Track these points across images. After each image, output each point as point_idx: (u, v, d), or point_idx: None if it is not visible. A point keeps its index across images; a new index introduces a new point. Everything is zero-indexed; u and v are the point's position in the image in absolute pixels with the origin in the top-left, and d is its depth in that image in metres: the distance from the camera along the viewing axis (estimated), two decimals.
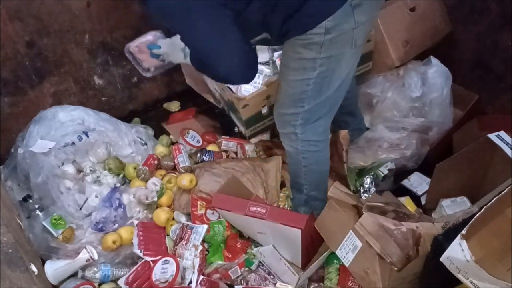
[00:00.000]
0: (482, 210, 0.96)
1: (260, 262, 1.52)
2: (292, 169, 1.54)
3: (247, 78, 1.25)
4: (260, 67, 1.67)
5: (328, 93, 1.31)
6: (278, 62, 1.68)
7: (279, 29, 1.19)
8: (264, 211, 1.38)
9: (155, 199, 1.61)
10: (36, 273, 1.25)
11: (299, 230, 1.32)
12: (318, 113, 1.36)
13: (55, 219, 1.50)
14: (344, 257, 1.26)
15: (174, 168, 1.77)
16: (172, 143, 1.92)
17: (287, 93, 1.35)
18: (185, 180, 1.64)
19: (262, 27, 1.22)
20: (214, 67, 1.18)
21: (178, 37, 1.35)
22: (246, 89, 1.69)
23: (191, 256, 1.47)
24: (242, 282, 1.48)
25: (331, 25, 1.15)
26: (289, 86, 1.33)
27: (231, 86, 1.69)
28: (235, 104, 1.66)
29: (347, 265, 1.26)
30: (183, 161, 1.74)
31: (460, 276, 1.01)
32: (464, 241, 0.97)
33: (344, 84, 1.35)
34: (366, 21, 1.22)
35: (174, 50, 1.38)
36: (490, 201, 0.97)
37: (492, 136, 1.43)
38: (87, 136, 1.66)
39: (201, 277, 1.44)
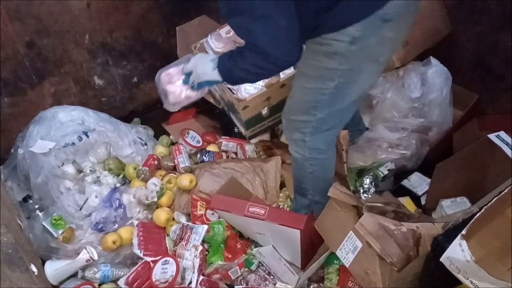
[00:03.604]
0: (482, 210, 0.96)
1: (260, 262, 1.52)
2: (297, 174, 1.52)
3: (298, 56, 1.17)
4: None
5: (342, 105, 1.29)
6: None
7: (310, 22, 1.14)
8: (263, 211, 1.38)
9: (155, 199, 1.61)
10: (36, 273, 1.25)
11: (298, 231, 1.33)
12: (329, 123, 1.34)
13: (55, 219, 1.50)
14: (344, 257, 1.26)
15: (174, 169, 1.77)
16: (172, 144, 1.92)
17: (301, 100, 1.32)
18: (185, 180, 1.64)
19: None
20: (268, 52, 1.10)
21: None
22: (247, 90, 1.69)
23: (191, 257, 1.47)
24: (242, 283, 1.48)
25: (358, 35, 1.12)
26: (303, 93, 1.30)
27: (232, 87, 1.67)
28: (235, 105, 1.66)
29: (347, 266, 1.26)
30: (183, 161, 1.74)
31: (460, 276, 1.01)
32: (464, 241, 0.97)
33: (360, 98, 1.32)
34: (394, 38, 1.20)
35: (203, 61, 1.25)
36: (490, 201, 0.97)
37: (492, 136, 1.43)
38: (87, 136, 1.66)
39: (201, 277, 1.44)
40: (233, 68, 1.20)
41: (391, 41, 1.20)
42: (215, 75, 1.23)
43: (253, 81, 1.41)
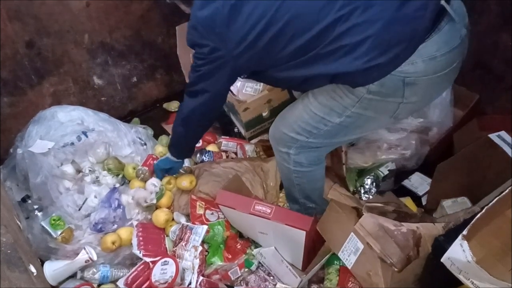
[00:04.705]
0: (483, 211, 0.96)
1: (259, 262, 1.52)
2: (285, 183, 1.52)
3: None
4: None
5: (339, 140, 1.28)
6: None
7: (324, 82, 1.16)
8: (269, 210, 1.37)
9: (154, 201, 1.60)
10: (35, 274, 1.24)
11: (304, 232, 1.32)
12: (318, 148, 1.32)
13: (54, 220, 1.49)
14: (346, 259, 1.25)
15: None
16: None
17: (300, 119, 1.27)
18: (185, 181, 1.64)
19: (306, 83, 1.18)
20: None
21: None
22: (248, 92, 1.68)
23: (190, 257, 1.47)
24: (242, 283, 1.48)
25: (374, 89, 1.09)
26: (307, 114, 1.26)
27: (232, 88, 1.67)
28: (236, 106, 1.65)
29: (349, 267, 1.25)
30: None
31: (461, 277, 1.01)
32: (465, 241, 0.97)
33: (357, 139, 1.31)
34: (418, 101, 1.15)
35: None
36: (491, 201, 0.96)
37: (493, 136, 1.43)
38: (86, 136, 1.65)
39: (201, 278, 1.43)
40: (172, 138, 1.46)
41: (415, 103, 1.15)
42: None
43: (192, 131, 1.44)
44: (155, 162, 1.67)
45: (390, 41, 1.02)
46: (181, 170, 1.72)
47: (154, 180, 1.64)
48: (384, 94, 1.10)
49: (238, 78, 1.27)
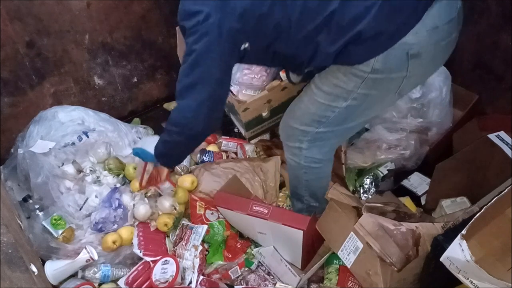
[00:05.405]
0: (482, 210, 0.96)
1: (259, 262, 1.52)
2: (292, 180, 1.51)
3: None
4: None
5: (348, 125, 1.27)
6: (281, 74, 1.62)
7: (324, 67, 1.15)
8: (266, 211, 1.38)
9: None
10: (36, 273, 1.25)
11: (301, 231, 1.32)
12: (329, 138, 1.32)
13: (55, 219, 1.50)
14: (346, 258, 1.26)
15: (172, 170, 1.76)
16: None
17: (307, 110, 1.28)
18: (187, 182, 1.63)
19: (308, 66, 1.17)
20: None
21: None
22: (247, 93, 1.68)
23: (191, 256, 1.47)
24: (242, 282, 1.48)
25: (379, 66, 1.09)
26: (312, 105, 1.26)
27: (232, 88, 1.67)
28: (236, 106, 1.65)
29: (349, 267, 1.26)
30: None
31: (460, 276, 1.01)
32: (464, 241, 0.97)
33: (367, 122, 1.31)
34: (421, 74, 1.16)
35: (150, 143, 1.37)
36: (490, 201, 0.97)
37: (492, 136, 1.44)
38: (87, 136, 1.66)
39: (201, 277, 1.44)
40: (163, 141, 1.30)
41: (418, 76, 1.16)
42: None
43: (179, 149, 1.35)
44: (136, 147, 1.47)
45: (395, 8, 1.04)
46: (179, 170, 1.72)
47: (169, 199, 1.59)
48: (388, 70, 1.11)
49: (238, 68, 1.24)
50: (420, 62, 1.11)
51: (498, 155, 1.42)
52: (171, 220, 1.56)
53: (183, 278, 1.45)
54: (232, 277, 1.49)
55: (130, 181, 1.71)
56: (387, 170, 1.72)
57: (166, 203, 1.57)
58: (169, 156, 1.37)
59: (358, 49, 1.09)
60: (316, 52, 1.12)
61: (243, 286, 1.47)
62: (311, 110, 1.27)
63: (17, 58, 1.70)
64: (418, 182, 1.73)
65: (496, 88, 1.73)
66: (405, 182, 1.75)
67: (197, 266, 1.45)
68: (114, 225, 1.55)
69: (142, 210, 1.56)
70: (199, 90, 1.12)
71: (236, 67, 1.61)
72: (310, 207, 1.51)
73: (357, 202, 1.35)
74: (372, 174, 1.71)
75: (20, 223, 1.47)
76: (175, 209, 1.57)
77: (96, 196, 1.59)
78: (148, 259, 1.49)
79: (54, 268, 1.46)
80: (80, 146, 1.64)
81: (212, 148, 1.85)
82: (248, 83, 1.65)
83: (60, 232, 1.49)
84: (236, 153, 1.86)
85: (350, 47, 1.09)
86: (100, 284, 1.51)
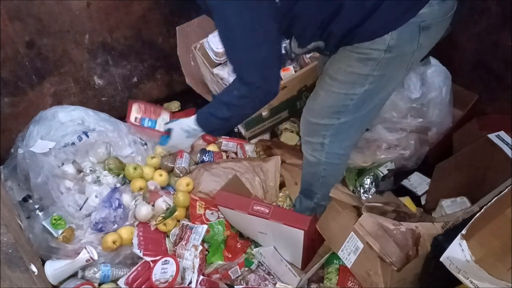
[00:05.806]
0: (482, 210, 0.96)
1: (259, 262, 1.52)
2: (307, 177, 1.49)
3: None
4: None
5: (367, 109, 1.27)
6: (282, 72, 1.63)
7: (341, 37, 1.14)
8: (267, 210, 1.38)
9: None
10: (36, 273, 1.25)
11: (302, 231, 1.32)
12: (352, 127, 1.32)
13: (55, 219, 1.50)
14: (346, 258, 1.26)
15: (172, 170, 1.77)
16: None
17: (326, 103, 1.28)
18: (182, 185, 1.64)
19: (322, 35, 1.17)
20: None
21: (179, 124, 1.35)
22: None
23: (191, 256, 1.47)
24: (242, 282, 1.48)
25: (394, 43, 1.11)
26: (330, 97, 1.26)
27: None
28: None
29: (349, 267, 1.26)
30: (180, 162, 1.73)
31: (460, 276, 1.01)
32: (464, 241, 0.97)
33: (383, 104, 1.32)
34: (428, 46, 1.18)
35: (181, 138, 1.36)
36: (490, 201, 0.97)
37: (492, 136, 1.44)
38: (87, 136, 1.66)
39: (201, 277, 1.44)
40: (214, 110, 1.24)
41: (426, 48, 1.18)
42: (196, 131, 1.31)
43: (236, 118, 1.32)
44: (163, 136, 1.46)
45: None
46: (178, 172, 1.72)
47: (165, 198, 1.61)
48: (402, 46, 1.13)
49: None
50: (429, 35, 1.14)
51: (498, 155, 1.42)
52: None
53: (183, 278, 1.45)
54: (232, 277, 1.49)
55: (130, 181, 1.71)
56: (387, 170, 1.72)
57: (163, 204, 1.58)
58: (218, 130, 1.34)
59: (378, 19, 1.09)
60: (338, 14, 1.11)
61: (243, 286, 1.47)
62: (330, 103, 1.27)
63: (17, 58, 1.70)
64: (418, 182, 1.73)
65: (496, 88, 1.73)
66: (405, 182, 1.75)
67: (197, 266, 1.45)
68: (114, 225, 1.55)
69: (144, 211, 1.56)
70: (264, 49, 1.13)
71: None
72: (319, 206, 1.50)
73: (358, 202, 1.35)
74: (372, 174, 1.71)
75: (20, 223, 1.47)
76: (169, 205, 1.58)
77: (96, 196, 1.59)
78: (148, 259, 1.49)
79: (54, 268, 1.46)
80: (80, 146, 1.64)
81: (212, 148, 1.85)
82: None
83: (60, 232, 1.49)
84: (236, 153, 1.86)
85: (373, 15, 1.08)
86: (100, 284, 1.51)
